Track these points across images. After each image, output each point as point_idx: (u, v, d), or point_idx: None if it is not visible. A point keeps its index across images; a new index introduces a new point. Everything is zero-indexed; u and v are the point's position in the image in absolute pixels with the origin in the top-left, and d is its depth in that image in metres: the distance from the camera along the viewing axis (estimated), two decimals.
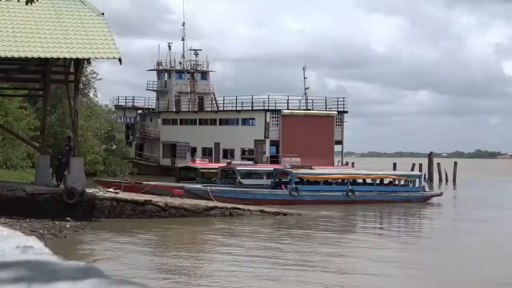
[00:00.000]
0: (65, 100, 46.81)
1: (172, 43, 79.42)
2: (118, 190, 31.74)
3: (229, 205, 32.57)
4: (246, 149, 65.19)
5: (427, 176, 69.76)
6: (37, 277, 1.50)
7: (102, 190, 31.76)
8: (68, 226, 25.97)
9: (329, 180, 43.17)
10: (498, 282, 18.55)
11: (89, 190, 29.53)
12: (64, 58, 28.19)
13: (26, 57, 27.00)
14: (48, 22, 28.37)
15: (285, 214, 33.20)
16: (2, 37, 27.23)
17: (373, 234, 29.94)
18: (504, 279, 18.84)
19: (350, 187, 42.60)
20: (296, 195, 40.86)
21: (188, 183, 41.63)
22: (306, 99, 67.61)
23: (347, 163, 67.26)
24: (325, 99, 67.57)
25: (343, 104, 67.01)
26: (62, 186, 28.69)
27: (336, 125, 65.40)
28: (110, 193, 30.54)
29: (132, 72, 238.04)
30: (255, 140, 64.43)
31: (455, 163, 76.12)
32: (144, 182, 40.60)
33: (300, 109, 65.72)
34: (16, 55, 26.76)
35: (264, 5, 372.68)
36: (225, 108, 70.74)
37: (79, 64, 29.16)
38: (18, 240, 1.97)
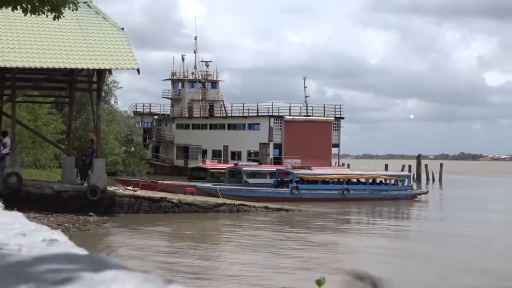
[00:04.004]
0: (88, 106, 46.92)
1: (185, 55, 79.98)
2: (136, 188, 31.76)
3: (236, 202, 32.53)
4: (252, 151, 65.15)
5: (415, 176, 69.60)
6: (62, 268, 1.49)
7: (121, 188, 31.78)
8: (91, 220, 25.98)
9: (327, 180, 43.07)
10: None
11: (110, 188, 29.55)
12: (88, 69, 28.22)
13: (54, 67, 27.03)
14: (73, 36, 28.42)
15: (287, 210, 33.12)
16: (32, 49, 27.29)
17: (366, 227, 29.88)
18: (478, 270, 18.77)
19: (345, 186, 42.50)
20: (296, 193, 40.76)
21: (199, 182, 41.63)
22: (306, 106, 67.56)
23: (343, 164, 67.14)
24: (324, 106, 67.52)
25: (340, 111, 67.02)
26: (86, 184, 28.71)
27: (333, 129, 65.33)
28: (129, 191, 30.55)
29: (149, 82, 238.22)
30: (260, 143, 64.39)
31: (441, 164, 76.09)
32: (160, 181, 40.59)
33: (300, 115, 65.67)
34: (44, 65, 26.81)
35: (267, 20, 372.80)
36: (233, 114, 70.72)
37: (101, 74, 29.21)
38: (44, 233, 1.96)
